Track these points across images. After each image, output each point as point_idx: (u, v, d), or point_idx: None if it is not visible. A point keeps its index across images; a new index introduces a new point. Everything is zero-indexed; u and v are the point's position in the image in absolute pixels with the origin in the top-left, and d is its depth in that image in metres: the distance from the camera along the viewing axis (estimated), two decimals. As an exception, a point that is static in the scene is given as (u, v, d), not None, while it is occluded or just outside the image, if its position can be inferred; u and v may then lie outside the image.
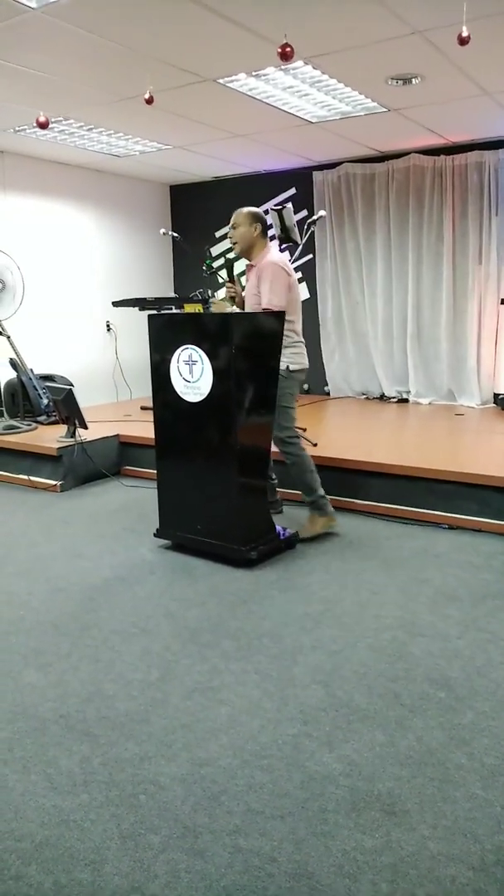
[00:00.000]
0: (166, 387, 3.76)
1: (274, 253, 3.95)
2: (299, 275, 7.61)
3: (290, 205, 5.81)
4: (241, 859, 1.74)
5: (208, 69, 4.38)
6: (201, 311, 4.32)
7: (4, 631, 3.02)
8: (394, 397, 7.30)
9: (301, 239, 5.62)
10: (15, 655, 2.80)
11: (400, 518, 4.38)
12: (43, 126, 4.81)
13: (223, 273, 4.22)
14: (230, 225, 3.97)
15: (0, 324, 6.01)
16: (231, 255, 4.32)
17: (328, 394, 7.72)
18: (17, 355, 6.10)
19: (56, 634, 2.97)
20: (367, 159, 7.03)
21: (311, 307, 7.58)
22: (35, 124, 5.02)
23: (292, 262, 6.70)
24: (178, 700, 2.45)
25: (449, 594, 3.28)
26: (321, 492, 4.03)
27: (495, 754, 2.12)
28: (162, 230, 7.02)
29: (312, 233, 5.93)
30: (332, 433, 5.80)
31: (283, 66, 4.29)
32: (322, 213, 5.97)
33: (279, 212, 5.48)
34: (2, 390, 6.34)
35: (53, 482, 5.28)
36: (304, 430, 5.35)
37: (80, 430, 5.37)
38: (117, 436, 5.71)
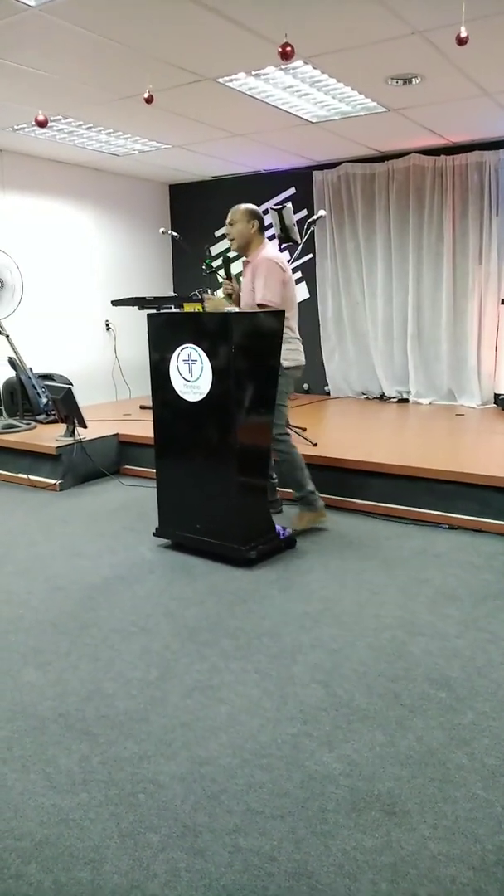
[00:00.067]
0: (166, 386, 3.76)
1: (269, 249, 3.96)
2: (299, 274, 7.63)
3: (289, 204, 5.81)
4: (241, 858, 1.74)
5: (208, 68, 4.37)
6: (201, 310, 4.32)
7: (4, 630, 3.01)
8: (394, 397, 7.30)
9: (301, 239, 5.62)
10: (14, 654, 2.80)
11: (400, 518, 4.38)
12: (42, 125, 4.81)
13: (222, 273, 4.22)
14: (227, 221, 3.98)
15: (-1, 323, 6.00)
16: (230, 255, 4.31)
17: (328, 394, 7.72)
18: (17, 354, 6.09)
19: (55, 633, 2.97)
20: (367, 159, 7.03)
21: (310, 307, 7.58)
22: (34, 123, 5.01)
23: (292, 262, 6.71)
24: (177, 699, 2.45)
25: (449, 594, 3.28)
26: (310, 487, 4.07)
27: (496, 754, 2.12)
28: (161, 229, 7.03)
29: (312, 232, 5.93)
30: (332, 433, 5.80)
31: (283, 66, 4.29)
32: (322, 212, 5.97)
33: (279, 211, 5.48)
34: (1, 389, 6.33)
35: (53, 481, 5.28)
36: (304, 429, 5.36)
37: (79, 429, 5.36)
38: (116, 435, 5.71)
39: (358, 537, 4.09)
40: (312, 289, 7.64)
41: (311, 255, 7.50)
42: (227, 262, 4.22)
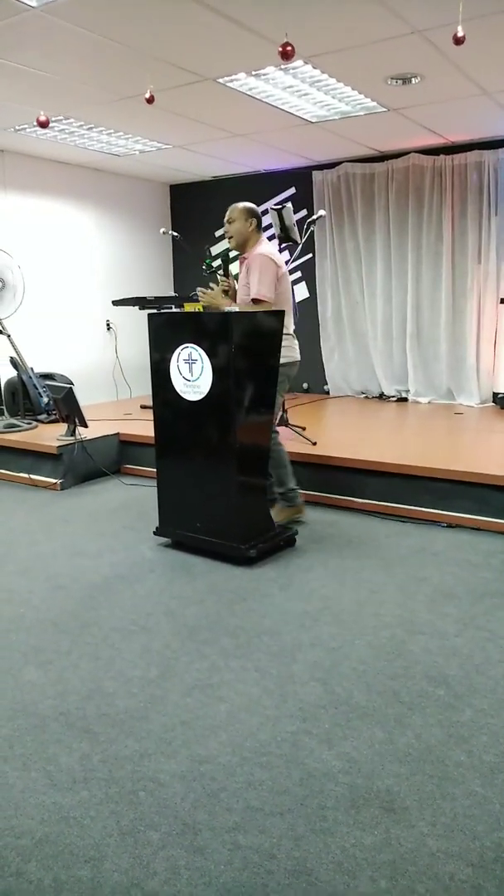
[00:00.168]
0: (166, 385, 3.77)
1: (264, 246, 3.97)
2: (299, 274, 7.64)
3: (289, 204, 5.82)
4: (241, 856, 1.75)
5: (208, 68, 4.38)
6: (201, 310, 4.33)
7: (5, 629, 3.02)
8: (393, 396, 7.31)
9: (301, 238, 5.63)
10: (15, 653, 2.81)
11: (399, 516, 4.39)
12: (43, 125, 4.82)
13: (222, 273, 4.23)
14: (226, 219, 4.00)
15: (0, 322, 6.01)
16: (230, 255, 4.33)
17: (327, 393, 7.73)
18: (18, 354, 6.10)
19: (56, 632, 2.98)
20: (367, 159, 7.04)
21: (310, 307, 7.59)
22: (35, 123, 5.03)
23: (292, 262, 6.73)
24: (177, 697, 2.46)
25: (447, 592, 3.29)
26: (291, 485, 4.14)
27: (494, 752, 2.13)
28: (162, 229, 7.05)
29: (312, 232, 5.93)
30: (331, 432, 5.80)
31: (283, 66, 4.30)
32: (322, 212, 5.98)
33: (279, 211, 5.49)
34: (2, 389, 6.34)
35: (54, 480, 5.29)
36: (304, 428, 5.37)
37: (80, 429, 5.37)
38: (117, 434, 5.72)
39: (357, 536, 4.10)
40: (312, 288, 7.65)
41: (310, 255, 7.51)
42: (226, 262, 4.24)
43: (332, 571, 3.58)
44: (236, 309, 3.75)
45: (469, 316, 6.79)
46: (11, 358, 6.16)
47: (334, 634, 2.90)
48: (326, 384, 7.73)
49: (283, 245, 5.69)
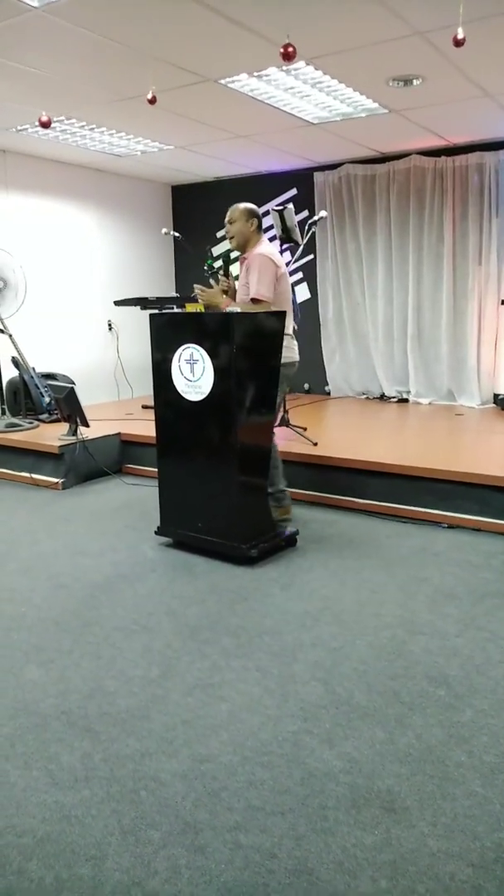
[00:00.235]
0: (167, 385, 3.77)
1: (264, 246, 3.98)
2: (300, 275, 7.65)
3: (291, 205, 5.82)
4: (242, 855, 1.75)
5: (209, 69, 4.39)
6: (202, 310, 4.34)
7: (6, 627, 3.03)
8: (394, 397, 7.31)
9: (302, 239, 5.63)
10: (17, 652, 2.81)
11: (399, 517, 4.39)
12: (45, 125, 4.83)
13: (223, 273, 4.24)
14: (226, 220, 4.01)
15: (2, 322, 6.02)
16: (232, 255, 4.34)
17: (329, 394, 7.74)
18: (20, 354, 6.11)
19: (57, 631, 2.99)
20: (368, 160, 7.04)
21: (311, 308, 7.60)
22: (37, 123, 5.04)
23: (293, 263, 6.74)
24: (178, 697, 2.46)
25: (448, 593, 3.30)
26: (281, 486, 4.13)
27: (494, 752, 2.13)
28: (163, 230, 7.06)
29: (313, 233, 5.94)
30: (332, 433, 5.81)
31: (284, 67, 4.30)
32: (323, 213, 5.98)
33: (280, 212, 5.50)
34: (4, 388, 6.35)
35: (55, 480, 5.30)
36: (305, 429, 5.38)
37: (81, 429, 5.38)
38: (118, 434, 5.72)
39: (358, 536, 4.10)
40: (313, 289, 7.65)
41: (311, 256, 7.51)
42: (227, 263, 4.25)
43: (332, 571, 3.58)
44: (236, 309, 3.75)
45: (470, 317, 6.79)
46: (13, 357, 6.17)
47: (335, 634, 2.90)
48: (327, 385, 7.74)
49: (285, 246, 5.69)
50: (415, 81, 4.60)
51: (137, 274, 8.07)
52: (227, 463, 3.63)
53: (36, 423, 6.06)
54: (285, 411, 5.38)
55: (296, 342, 4.12)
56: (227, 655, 2.75)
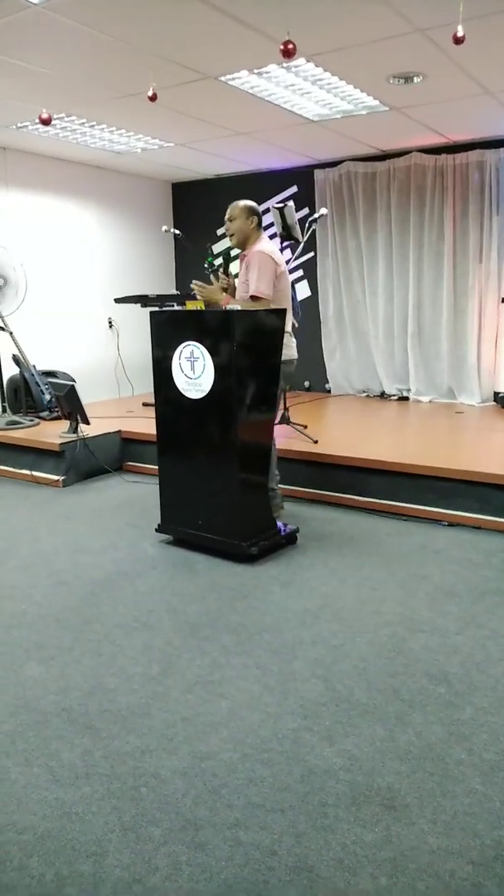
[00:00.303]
0: (168, 383, 3.77)
1: (264, 243, 3.97)
2: (300, 273, 7.64)
3: (291, 203, 5.81)
4: (242, 852, 1.75)
5: (210, 66, 4.38)
6: (203, 307, 4.34)
7: (7, 624, 3.03)
8: (394, 395, 7.31)
9: (302, 237, 5.63)
10: (17, 649, 2.81)
11: (400, 515, 4.40)
12: (46, 122, 4.83)
13: (223, 271, 4.24)
14: (227, 217, 4.00)
15: (3, 320, 6.01)
16: (232, 253, 4.34)
17: (329, 391, 7.73)
18: (20, 351, 6.11)
19: (58, 628, 2.99)
20: (369, 158, 7.04)
21: (312, 305, 7.59)
22: (38, 121, 5.03)
23: (293, 260, 6.73)
24: (178, 694, 2.46)
25: (448, 590, 3.30)
26: (272, 485, 4.09)
27: (494, 750, 2.13)
28: (164, 227, 7.05)
29: (314, 231, 5.93)
30: (332, 430, 5.81)
31: (285, 64, 4.30)
32: (323, 211, 5.98)
33: (281, 210, 5.49)
34: (5, 386, 6.35)
35: (56, 477, 5.30)
36: (305, 426, 5.37)
37: (82, 426, 5.38)
38: (119, 432, 5.73)
39: (358, 534, 4.10)
40: (314, 287, 7.65)
41: (312, 254, 7.50)
42: (228, 261, 4.25)
43: (333, 569, 3.59)
44: (236, 306, 3.75)
45: (470, 315, 6.79)
46: (14, 355, 6.17)
47: (335, 632, 2.90)
48: (328, 383, 7.74)
49: (285, 244, 5.69)
50: (415, 79, 4.60)
51: (138, 271, 8.07)
52: (227, 460, 3.63)
53: (36, 420, 6.07)
54: (286, 409, 5.38)
55: (294, 340, 4.12)
56: (228, 653, 2.75)
